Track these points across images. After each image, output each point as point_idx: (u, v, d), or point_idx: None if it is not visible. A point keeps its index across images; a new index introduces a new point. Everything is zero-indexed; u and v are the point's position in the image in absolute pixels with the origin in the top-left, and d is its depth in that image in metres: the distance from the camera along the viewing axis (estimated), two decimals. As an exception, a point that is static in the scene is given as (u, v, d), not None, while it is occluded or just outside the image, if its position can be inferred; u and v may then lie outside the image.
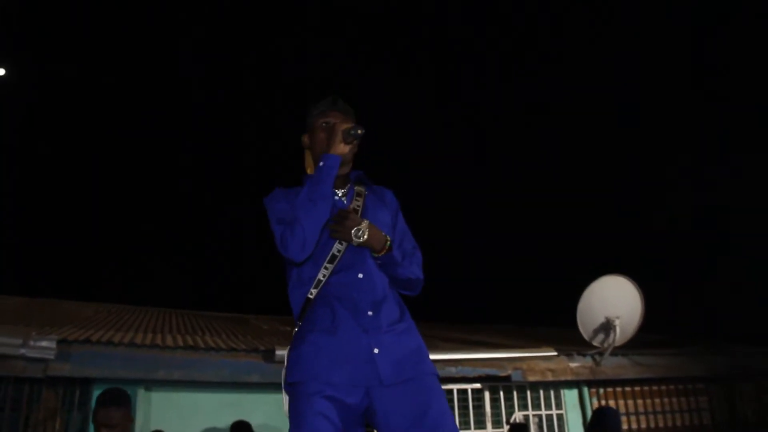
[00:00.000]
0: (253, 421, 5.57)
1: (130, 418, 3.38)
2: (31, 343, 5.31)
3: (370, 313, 2.10)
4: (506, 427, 6.59)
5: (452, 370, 6.44)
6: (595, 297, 6.98)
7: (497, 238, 16.55)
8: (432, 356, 6.27)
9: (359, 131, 2.19)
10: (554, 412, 6.98)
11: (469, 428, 6.64)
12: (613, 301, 6.89)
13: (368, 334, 2.07)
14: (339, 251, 2.16)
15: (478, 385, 6.79)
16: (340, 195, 2.29)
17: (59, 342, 5.39)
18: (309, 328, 2.11)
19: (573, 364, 6.89)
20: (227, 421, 5.32)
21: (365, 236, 2.11)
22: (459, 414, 6.65)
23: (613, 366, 7.03)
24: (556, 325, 9.41)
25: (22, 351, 5.27)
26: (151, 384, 5.87)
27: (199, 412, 5.98)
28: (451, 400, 6.65)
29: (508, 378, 6.62)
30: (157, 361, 5.63)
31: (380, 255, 2.16)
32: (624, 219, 15.38)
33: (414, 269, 2.26)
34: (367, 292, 2.14)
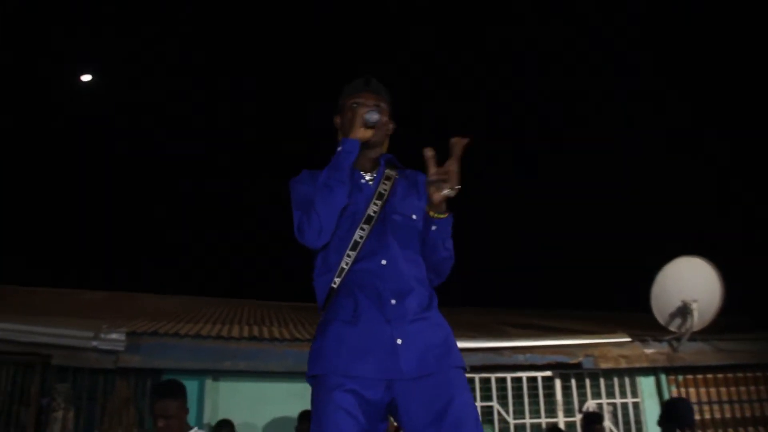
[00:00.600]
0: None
1: (185, 409, 3.44)
2: (102, 335, 5.50)
3: (393, 301, 2.02)
4: (578, 416, 6.42)
5: (520, 358, 6.32)
6: (669, 280, 6.69)
7: (567, 220, 16.16)
8: (499, 343, 6.18)
9: (374, 117, 2.14)
10: (630, 400, 6.75)
11: (540, 417, 6.49)
12: (690, 283, 6.58)
13: (391, 324, 1.99)
14: (361, 237, 2.09)
15: (548, 373, 6.63)
16: (368, 179, 2.23)
17: (128, 334, 5.56)
18: (331, 318, 2.05)
19: (648, 351, 6.63)
20: (295, 410, 5.36)
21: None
22: (529, 402, 6.51)
23: (692, 352, 6.73)
24: (629, 309, 9.10)
25: (94, 343, 5.47)
26: (218, 374, 5.98)
27: (267, 402, 6.05)
28: (520, 388, 6.52)
29: (578, 365, 6.45)
30: (223, 351, 5.73)
31: (437, 215, 2.08)
32: (698, 196, 14.73)
33: (450, 245, 2.17)
34: (391, 279, 2.05)
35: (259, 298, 10.68)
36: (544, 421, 6.49)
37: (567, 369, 6.58)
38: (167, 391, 3.51)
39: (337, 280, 2.08)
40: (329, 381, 1.93)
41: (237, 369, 5.76)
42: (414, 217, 2.16)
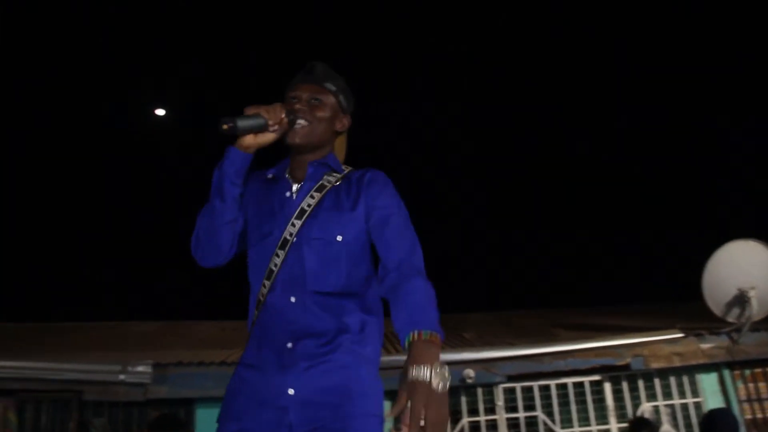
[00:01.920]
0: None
1: None
2: (129, 368, 5.64)
3: (289, 345, 1.80)
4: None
5: (561, 364, 6.06)
6: (722, 266, 6.27)
7: (605, 208, 15.49)
8: (536, 350, 5.93)
9: (223, 127, 1.82)
10: (690, 400, 6.35)
11: (590, 424, 6.20)
12: (746, 269, 6.15)
13: (284, 371, 1.78)
14: (276, 265, 1.85)
15: (596, 377, 6.33)
16: (294, 190, 1.95)
17: (154, 366, 5.69)
18: (243, 358, 1.89)
19: (705, 345, 6.23)
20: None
21: (440, 382, 1.58)
22: (577, 410, 6.23)
23: (755, 344, 6.27)
24: (678, 299, 8.62)
25: (122, 377, 5.61)
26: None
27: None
28: (566, 395, 6.26)
29: (627, 366, 6.13)
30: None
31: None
32: (749, 175, 13.83)
33: (432, 303, 1.76)
34: (297, 320, 1.81)
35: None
36: (595, 428, 6.19)
37: (617, 371, 6.28)
38: (164, 425, 3.57)
39: (256, 312, 1.88)
40: (226, 428, 1.77)
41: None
42: (339, 238, 1.86)
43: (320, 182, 1.93)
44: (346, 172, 2.01)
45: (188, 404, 5.96)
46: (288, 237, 1.86)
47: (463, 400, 6.15)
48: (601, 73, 15.67)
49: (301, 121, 1.92)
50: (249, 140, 1.86)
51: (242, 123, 1.83)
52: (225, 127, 1.81)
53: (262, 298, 1.86)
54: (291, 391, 1.75)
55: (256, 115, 1.84)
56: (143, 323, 9.53)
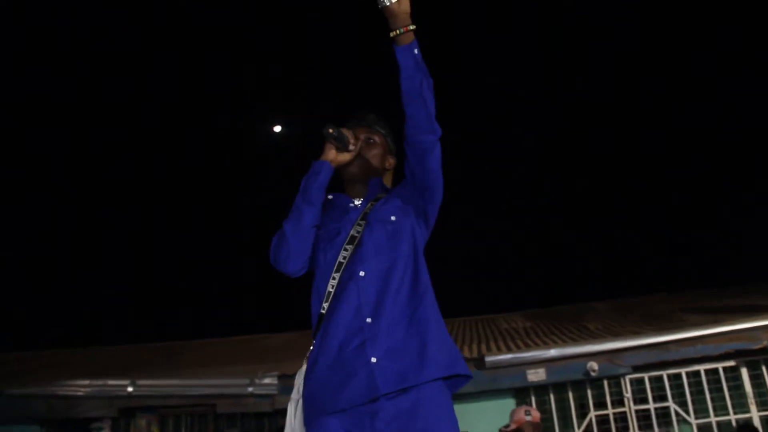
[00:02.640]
0: (479, 430, 5.64)
1: None
2: (257, 381, 5.94)
3: (369, 320, 1.99)
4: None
5: (690, 351, 5.84)
6: None
7: (735, 182, 14.65)
8: (663, 338, 5.75)
9: (329, 130, 2.16)
10: (842, 383, 5.96)
11: (728, 413, 5.94)
12: None
13: (365, 345, 1.95)
14: (344, 258, 2.10)
15: (731, 362, 6.06)
16: (356, 203, 2.25)
17: (280, 377, 5.95)
18: (315, 353, 2.04)
19: None
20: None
21: (332, 130, 2.11)
22: (711, 398, 5.99)
23: None
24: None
25: (250, 389, 5.92)
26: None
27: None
28: (699, 383, 6.02)
29: (765, 350, 5.83)
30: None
31: (400, 36, 2.00)
32: None
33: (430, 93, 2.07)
34: (370, 292, 2.02)
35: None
36: (733, 417, 5.93)
37: (753, 355, 5.99)
38: None
39: (326, 306, 2.08)
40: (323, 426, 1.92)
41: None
42: (393, 218, 2.14)
43: (376, 196, 2.25)
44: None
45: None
46: (355, 234, 2.14)
47: (590, 393, 6.04)
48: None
49: (363, 155, 2.27)
50: (332, 155, 2.20)
51: (339, 135, 2.17)
52: (330, 131, 2.15)
53: (332, 290, 2.08)
54: (374, 359, 1.96)
55: (346, 136, 2.19)
56: (271, 336, 9.99)
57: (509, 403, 6.08)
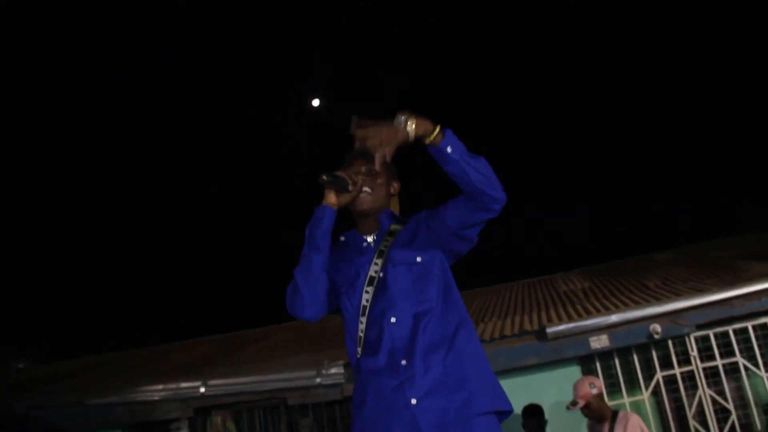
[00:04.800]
0: (547, 400, 5.82)
1: None
2: (324, 371, 6.25)
3: (404, 362, 2.08)
4: None
5: (755, 305, 5.89)
6: None
7: None
8: (727, 294, 5.77)
9: (323, 177, 2.21)
10: None
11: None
12: None
13: (404, 387, 2.06)
14: (367, 301, 2.19)
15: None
16: (369, 241, 2.33)
17: (346, 366, 6.24)
18: (356, 402, 2.19)
19: None
20: (521, 404, 5.64)
21: (412, 124, 2.04)
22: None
23: None
24: None
25: (318, 380, 6.24)
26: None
27: (492, 400, 6.38)
28: (767, 335, 6.10)
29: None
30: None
31: (433, 140, 2.04)
32: None
33: (480, 163, 2.08)
34: (401, 337, 2.11)
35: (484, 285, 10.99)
36: (806, 368, 6.00)
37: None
38: None
39: (359, 350, 2.20)
40: None
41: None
42: (419, 259, 2.20)
43: (390, 229, 2.32)
44: (407, 220, 2.38)
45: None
46: (373, 275, 2.22)
47: (655, 354, 6.18)
48: None
49: (366, 189, 2.32)
50: (333, 199, 2.26)
51: (334, 179, 2.23)
52: (324, 177, 2.21)
53: (362, 334, 2.20)
54: (413, 401, 2.07)
55: (343, 178, 2.25)
56: (332, 318, 10.32)
57: (574, 371, 6.26)
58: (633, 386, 6.18)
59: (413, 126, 2.02)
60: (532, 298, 8.46)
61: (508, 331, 6.28)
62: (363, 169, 2.33)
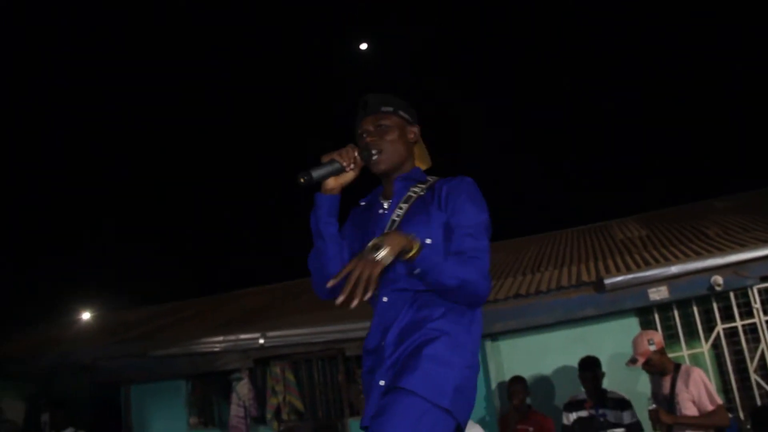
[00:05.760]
0: (604, 352, 5.87)
1: None
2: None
3: (383, 343, 2.05)
4: None
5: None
6: None
7: None
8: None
9: (301, 180, 2.07)
10: None
11: None
12: None
13: (374, 369, 2.05)
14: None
15: None
16: (385, 207, 2.24)
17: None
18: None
19: None
20: (577, 356, 5.69)
21: (385, 252, 1.86)
22: None
23: None
24: None
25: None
26: (495, 335, 6.54)
27: (549, 352, 6.44)
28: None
29: None
30: (491, 316, 6.21)
31: (409, 258, 1.92)
32: None
33: (456, 270, 1.97)
34: (388, 319, 2.07)
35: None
36: None
37: None
38: None
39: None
40: None
41: (508, 329, 6.26)
42: (428, 241, 2.03)
43: (407, 194, 2.20)
44: (431, 181, 2.24)
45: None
46: None
47: (715, 306, 6.13)
48: None
49: (374, 151, 2.20)
50: (331, 183, 2.16)
51: (317, 173, 2.09)
52: (302, 180, 2.07)
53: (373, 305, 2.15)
54: (381, 383, 2.01)
55: (331, 162, 2.12)
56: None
57: (631, 322, 6.27)
58: (692, 338, 6.17)
59: (386, 254, 1.87)
60: (588, 247, 8.43)
61: (565, 282, 6.28)
62: (371, 127, 2.24)
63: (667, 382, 4.79)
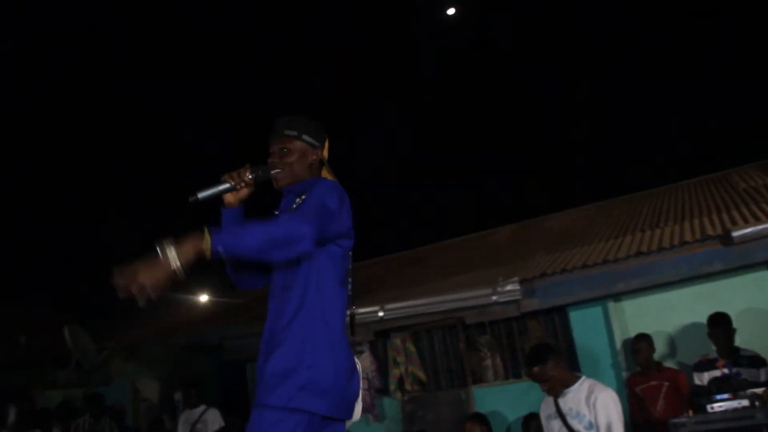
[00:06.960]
0: (734, 308, 5.72)
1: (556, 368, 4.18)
2: (499, 289, 6.46)
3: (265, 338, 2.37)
4: None
5: None
6: None
7: None
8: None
9: (190, 201, 2.40)
10: None
11: None
12: None
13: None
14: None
15: None
16: (276, 215, 2.54)
17: (521, 282, 6.40)
18: None
19: None
20: (704, 313, 5.59)
21: (172, 254, 2.09)
22: None
23: None
24: None
25: (494, 298, 6.45)
26: (618, 295, 6.47)
27: (674, 310, 6.33)
28: None
29: None
30: (612, 275, 6.15)
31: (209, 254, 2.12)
32: None
33: (257, 228, 2.17)
34: (270, 310, 2.41)
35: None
36: None
37: None
38: (533, 359, 4.28)
39: None
40: None
41: (631, 288, 6.15)
42: None
43: (291, 206, 2.45)
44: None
45: (560, 311, 6.66)
46: None
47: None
48: None
49: (276, 170, 2.49)
50: (229, 198, 2.49)
51: (203, 194, 2.41)
52: (190, 200, 2.38)
53: None
54: None
55: (223, 182, 2.44)
56: (496, 231, 10.51)
57: (763, 275, 6.07)
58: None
59: (174, 255, 2.06)
60: (709, 198, 8.16)
61: (689, 237, 6.10)
62: (276, 149, 2.52)
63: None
